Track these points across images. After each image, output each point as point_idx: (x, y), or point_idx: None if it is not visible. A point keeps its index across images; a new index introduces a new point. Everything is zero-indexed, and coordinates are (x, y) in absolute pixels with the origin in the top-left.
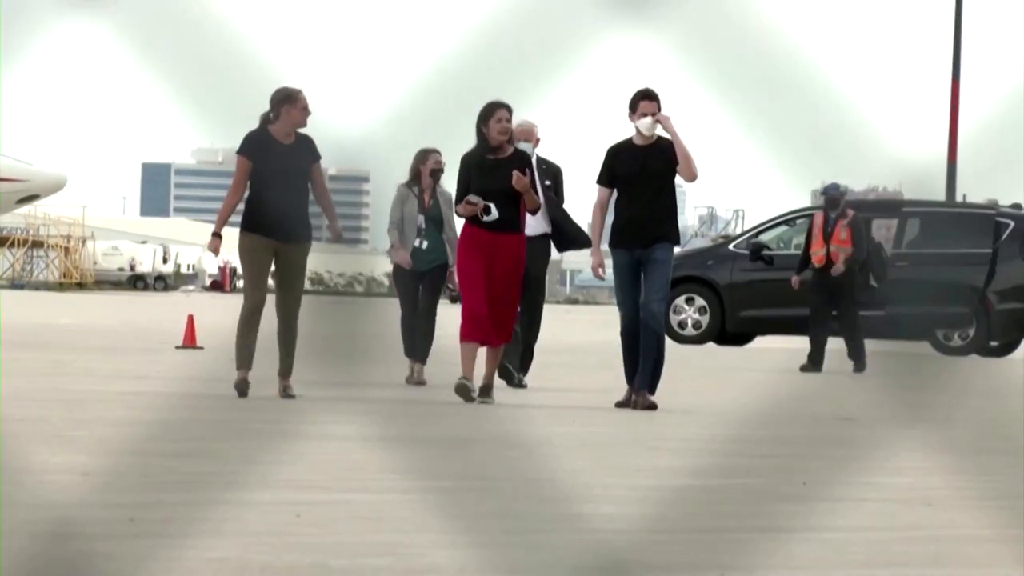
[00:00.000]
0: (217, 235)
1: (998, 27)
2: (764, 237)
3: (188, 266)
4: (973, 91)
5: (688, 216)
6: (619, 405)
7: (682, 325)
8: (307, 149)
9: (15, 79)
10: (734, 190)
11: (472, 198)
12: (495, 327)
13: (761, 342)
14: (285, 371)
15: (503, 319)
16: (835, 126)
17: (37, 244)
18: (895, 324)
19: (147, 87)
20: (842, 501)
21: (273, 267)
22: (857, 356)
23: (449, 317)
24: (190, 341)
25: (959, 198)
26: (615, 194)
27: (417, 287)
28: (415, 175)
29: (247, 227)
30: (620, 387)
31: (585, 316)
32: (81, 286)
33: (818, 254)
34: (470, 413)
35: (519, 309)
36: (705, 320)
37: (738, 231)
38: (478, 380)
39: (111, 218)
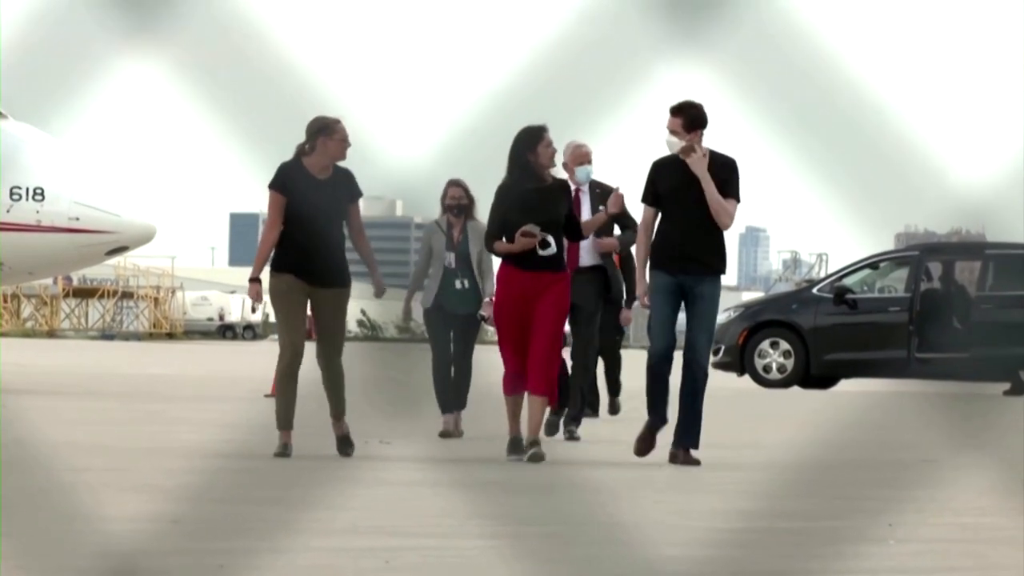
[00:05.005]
0: (255, 280)
1: None
2: (848, 281)
3: None
4: None
5: (772, 260)
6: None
7: (767, 369)
8: (345, 185)
9: (102, 130)
10: (817, 234)
11: (531, 228)
12: (533, 376)
13: (845, 385)
14: (338, 412)
15: (543, 367)
16: (917, 169)
17: (127, 295)
18: (978, 366)
19: (231, 138)
20: (928, 542)
21: (310, 312)
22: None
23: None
24: None
25: None
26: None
27: (449, 332)
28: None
29: (277, 267)
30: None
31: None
32: (171, 336)
33: None
34: (549, 458)
35: (573, 350)
36: (790, 364)
37: (822, 275)
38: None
39: (200, 268)
